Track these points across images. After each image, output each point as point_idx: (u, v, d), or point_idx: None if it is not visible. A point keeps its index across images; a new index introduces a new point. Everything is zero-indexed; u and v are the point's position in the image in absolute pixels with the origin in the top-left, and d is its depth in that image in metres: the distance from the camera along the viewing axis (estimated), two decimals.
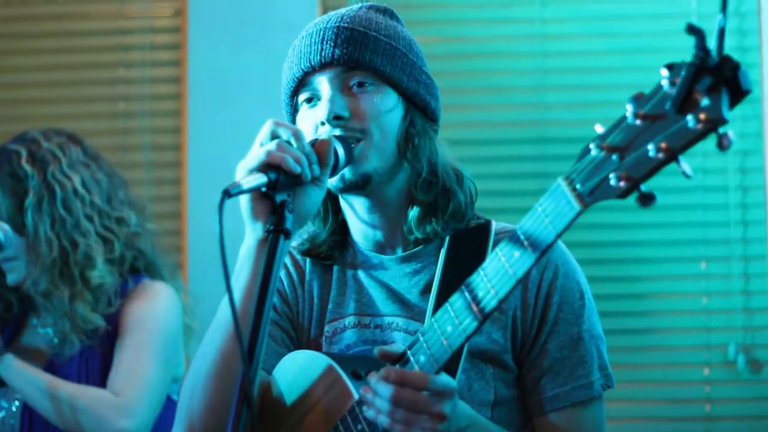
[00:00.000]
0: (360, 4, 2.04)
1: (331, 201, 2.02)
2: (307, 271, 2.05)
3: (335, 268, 2.04)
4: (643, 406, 3.87)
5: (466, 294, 1.63)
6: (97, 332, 2.78)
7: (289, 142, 1.78)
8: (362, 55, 1.93)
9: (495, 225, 2.01)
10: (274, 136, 1.80)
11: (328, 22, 1.97)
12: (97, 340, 2.79)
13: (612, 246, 3.91)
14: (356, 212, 2.00)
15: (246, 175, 1.75)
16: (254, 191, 1.75)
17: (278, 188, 1.75)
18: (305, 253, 2.06)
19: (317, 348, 1.98)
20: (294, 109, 2.00)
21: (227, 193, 1.64)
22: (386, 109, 1.94)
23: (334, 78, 1.93)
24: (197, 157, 3.98)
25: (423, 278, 1.97)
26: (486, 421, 1.83)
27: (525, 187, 3.90)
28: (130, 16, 4.17)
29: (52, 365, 2.80)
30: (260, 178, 1.73)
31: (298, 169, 1.76)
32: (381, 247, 2.01)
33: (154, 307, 2.83)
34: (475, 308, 1.62)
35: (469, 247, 1.95)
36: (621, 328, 3.86)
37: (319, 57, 1.93)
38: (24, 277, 2.82)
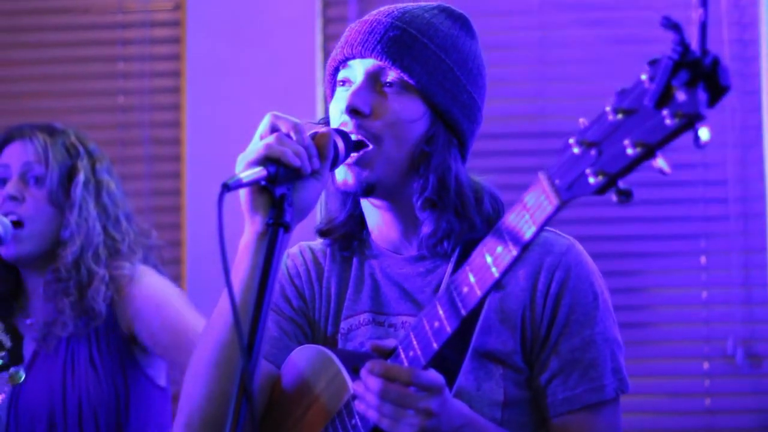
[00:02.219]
0: (437, 4, 2.00)
1: None
2: (326, 267, 2.04)
3: (355, 261, 2.03)
4: (642, 400, 3.87)
5: (452, 290, 1.64)
6: (94, 319, 2.79)
7: (288, 135, 1.78)
8: (402, 58, 1.90)
9: None
10: (273, 129, 1.79)
11: (387, 15, 1.95)
12: (88, 328, 2.80)
13: (612, 240, 3.91)
14: (370, 210, 1.99)
15: (245, 168, 1.74)
16: (253, 185, 1.75)
17: (278, 182, 1.74)
18: (323, 233, 2.04)
19: (333, 344, 1.97)
20: (334, 86, 1.99)
21: (226, 187, 1.63)
22: (408, 118, 1.91)
23: (370, 70, 1.91)
24: (196, 150, 3.97)
25: (435, 278, 1.95)
26: (485, 421, 1.81)
27: (524, 182, 3.87)
28: (129, 10, 4.16)
29: (37, 357, 2.81)
30: (260, 172, 1.72)
31: (297, 163, 1.75)
32: (395, 246, 1.99)
33: (153, 285, 2.86)
34: (459, 304, 1.62)
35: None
36: (621, 322, 3.83)
37: (360, 47, 1.91)
38: (27, 251, 2.82)
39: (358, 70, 1.92)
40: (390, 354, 1.73)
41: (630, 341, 3.87)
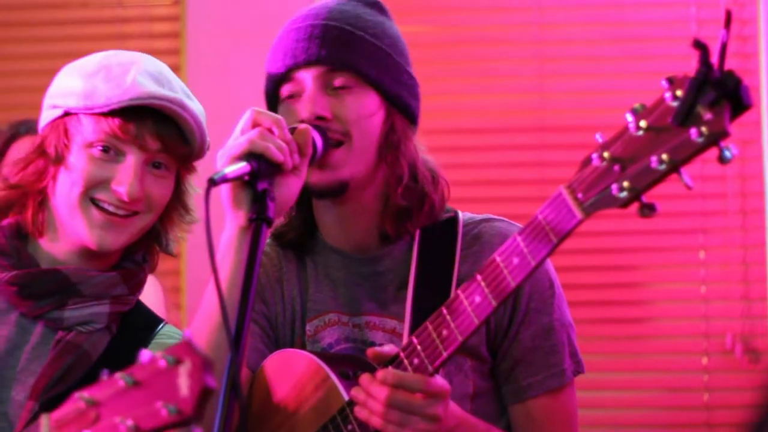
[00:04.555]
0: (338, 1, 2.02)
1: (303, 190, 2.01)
2: (285, 270, 2.04)
3: (309, 263, 2.02)
4: (641, 395, 3.87)
5: (462, 298, 1.65)
6: None
7: (270, 131, 1.78)
8: (348, 56, 1.93)
9: (462, 216, 2.01)
10: (255, 124, 1.79)
11: (316, 17, 1.96)
12: None
13: (611, 235, 3.91)
14: (330, 211, 1.99)
15: (228, 163, 1.74)
16: (236, 180, 1.75)
17: (260, 177, 1.74)
18: (279, 236, 2.04)
19: (301, 347, 1.97)
20: (275, 101, 1.99)
21: (212, 182, 1.64)
22: (367, 112, 1.93)
23: (318, 76, 1.93)
24: None
25: (397, 275, 1.97)
26: (474, 419, 1.85)
27: (524, 176, 3.89)
28: (128, 5, 4.16)
29: None
30: (244, 167, 1.72)
31: (280, 158, 1.76)
32: (354, 244, 2.00)
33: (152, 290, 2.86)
34: (472, 314, 1.64)
35: (439, 241, 1.97)
36: (620, 317, 3.86)
37: (305, 55, 1.93)
38: None
39: (305, 79, 1.93)
40: (391, 361, 1.74)
41: (629, 336, 3.89)
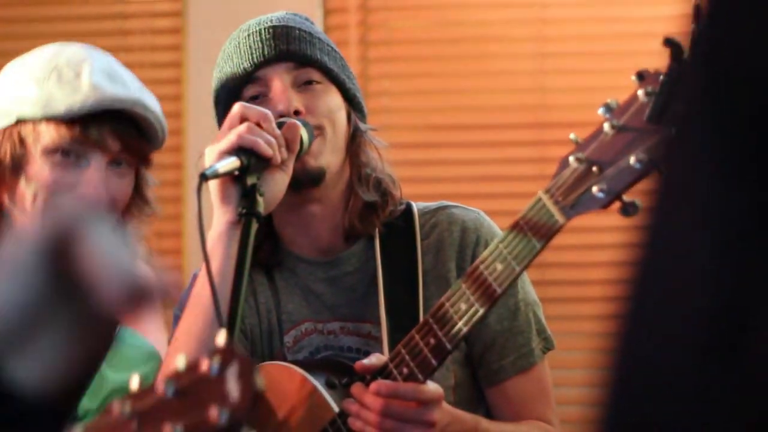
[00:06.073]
0: (283, 12, 2.08)
1: None
2: (256, 282, 2.03)
3: (277, 275, 2.03)
4: None
5: (448, 307, 1.67)
6: None
7: (258, 125, 1.78)
8: (314, 52, 1.96)
9: (416, 207, 2.03)
10: (243, 118, 1.80)
11: (271, 21, 2.01)
12: None
13: (612, 230, 3.91)
14: (294, 216, 1.99)
15: (217, 158, 1.75)
16: (226, 175, 1.75)
17: (249, 172, 1.75)
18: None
19: (281, 359, 1.97)
20: (233, 103, 1.96)
21: (204, 177, 1.64)
22: (336, 107, 1.95)
23: (286, 73, 1.94)
24: (197, 142, 3.97)
25: (364, 275, 1.98)
26: (461, 412, 1.86)
27: (524, 173, 3.89)
28: (129, 1, 4.16)
29: None
30: (234, 162, 1.73)
31: (269, 152, 1.76)
32: (318, 249, 2.00)
33: None
34: (459, 322, 1.66)
35: (398, 236, 1.99)
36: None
37: (274, 51, 1.95)
38: None
39: (272, 78, 1.94)
40: (380, 372, 1.75)
41: None
